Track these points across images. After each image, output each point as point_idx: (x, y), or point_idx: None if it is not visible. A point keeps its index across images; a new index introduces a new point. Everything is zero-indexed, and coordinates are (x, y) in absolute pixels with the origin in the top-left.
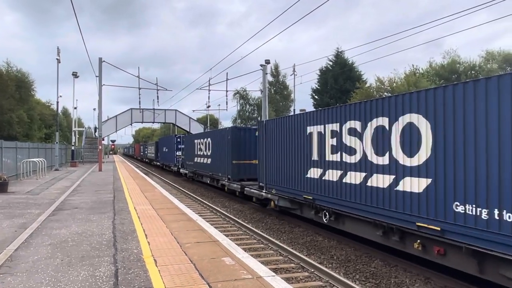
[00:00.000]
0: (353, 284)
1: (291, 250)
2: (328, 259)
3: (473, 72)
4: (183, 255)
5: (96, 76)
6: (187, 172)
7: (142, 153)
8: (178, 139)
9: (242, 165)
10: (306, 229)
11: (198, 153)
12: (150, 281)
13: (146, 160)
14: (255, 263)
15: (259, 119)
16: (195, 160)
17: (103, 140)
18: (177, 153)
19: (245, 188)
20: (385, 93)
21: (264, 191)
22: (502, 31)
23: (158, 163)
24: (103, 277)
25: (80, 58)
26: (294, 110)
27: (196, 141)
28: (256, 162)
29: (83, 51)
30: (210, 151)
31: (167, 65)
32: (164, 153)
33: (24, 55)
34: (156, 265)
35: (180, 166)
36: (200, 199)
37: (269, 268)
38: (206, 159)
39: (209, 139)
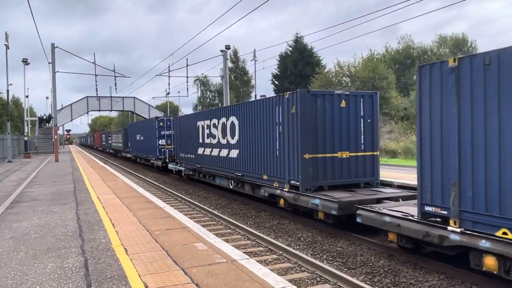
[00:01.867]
0: (320, 264)
1: (259, 233)
2: (295, 241)
3: (426, 56)
4: (154, 243)
5: (49, 63)
6: (182, 168)
7: (104, 143)
8: (162, 123)
9: (320, 161)
10: (272, 213)
11: (207, 141)
12: (122, 269)
13: (111, 151)
14: (228, 247)
15: (219, 105)
16: (200, 152)
17: (58, 129)
18: (160, 142)
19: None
20: (344, 78)
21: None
22: (454, 17)
23: (129, 155)
24: (72, 268)
25: (33, 45)
26: (255, 95)
27: (201, 123)
28: (347, 155)
29: (36, 37)
30: (236, 137)
31: (125, 52)
32: (137, 142)
33: None
34: (127, 254)
35: (167, 160)
36: (163, 186)
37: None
38: (225, 150)
39: (233, 118)
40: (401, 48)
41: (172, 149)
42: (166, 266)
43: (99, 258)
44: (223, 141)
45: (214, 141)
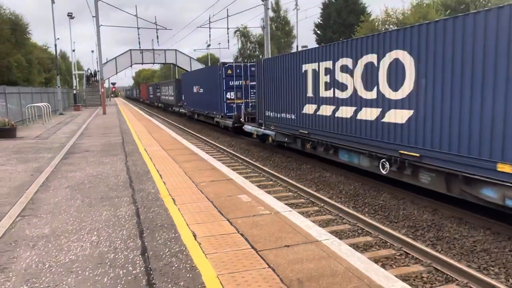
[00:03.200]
0: (362, 216)
1: (300, 186)
2: (337, 193)
3: (481, 0)
4: (200, 194)
5: (93, 17)
6: (270, 133)
7: (152, 96)
8: (230, 71)
9: None
10: (313, 166)
11: (325, 94)
12: (171, 218)
13: (160, 105)
14: (271, 199)
15: (260, 57)
16: (308, 111)
17: (104, 82)
18: (228, 95)
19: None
20: (391, 26)
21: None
22: None
23: (182, 110)
24: (125, 216)
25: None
26: (297, 46)
27: (312, 67)
28: None
29: None
30: (406, 86)
31: (167, 4)
32: (195, 95)
33: None
34: (175, 204)
35: (242, 119)
36: (206, 139)
37: None
38: (371, 110)
39: (399, 54)
40: None
41: (242, 104)
42: (212, 216)
43: (149, 208)
44: (367, 95)
45: (343, 95)
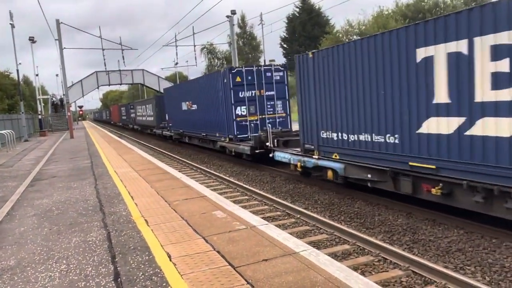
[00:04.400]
0: (338, 225)
1: (276, 198)
2: (313, 204)
3: (438, 9)
4: (173, 213)
5: (56, 40)
6: (337, 166)
7: (124, 117)
8: (239, 78)
9: None
10: (287, 178)
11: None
12: (144, 240)
13: (135, 127)
14: (247, 214)
15: None
16: (446, 130)
17: (70, 106)
18: (239, 111)
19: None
20: (354, 36)
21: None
22: None
23: (166, 133)
24: (96, 241)
25: (41, 23)
26: (264, 61)
27: (441, 51)
28: None
29: (45, 14)
30: None
31: (133, 24)
32: (185, 113)
33: None
34: (148, 225)
35: (268, 144)
36: (178, 157)
37: None
38: None
39: None
40: (412, 2)
41: (256, 122)
42: (187, 235)
43: (121, 231)
44: None
45: None
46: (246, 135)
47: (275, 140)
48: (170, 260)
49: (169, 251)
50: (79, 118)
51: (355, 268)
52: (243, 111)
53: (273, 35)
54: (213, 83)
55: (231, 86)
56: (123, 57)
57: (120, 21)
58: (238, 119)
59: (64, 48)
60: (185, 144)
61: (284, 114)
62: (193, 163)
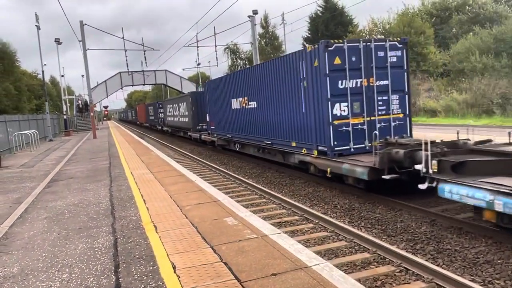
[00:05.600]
0: (358, 232)
1: (294, 202)
2: (332, 208)
3: (466, 6)
4: (184, 219)
5: (79, 41)
6: None
7: (152, 118)
8: (338, 59)
9: None
10: (307, 181)
11: None
12: (151, 249)
13: (166, 129)
14: (259, 221)
15: None
16: None
17: (95, 106)
18: (337, 109)
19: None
20: (379, 36)
21: None
22: None
23: (206, 137)
24: (102, 248)
25: (69, 25)
26: None
27: None
28: None
29: (73, 17)
30: None
31: (159, 25)
32: (236, 114)
33: (13, 25)
34: (156, 232)
35: (427, 167)
36: (198, 158)
37: (273, 222)
38: None
39: None
40: (438, 0)
41: (363, 126)
42: (195, 243)
43: (129, 237)
44: None
45: None
46: (348, 147)
47: (438, 162)
48: (175, 271)
49: (175, 261)
50: (104, 118)
51: (375, 279)
52: (344, 110)
53: (294, 35)
54: (290, 70)
55: (327, 72)
56: (145, 57)
57: (146, 23)
58: (336, 122)
59: (88, 49)
60: (232, 152)
61: (401, 115)
62: (211, 164)
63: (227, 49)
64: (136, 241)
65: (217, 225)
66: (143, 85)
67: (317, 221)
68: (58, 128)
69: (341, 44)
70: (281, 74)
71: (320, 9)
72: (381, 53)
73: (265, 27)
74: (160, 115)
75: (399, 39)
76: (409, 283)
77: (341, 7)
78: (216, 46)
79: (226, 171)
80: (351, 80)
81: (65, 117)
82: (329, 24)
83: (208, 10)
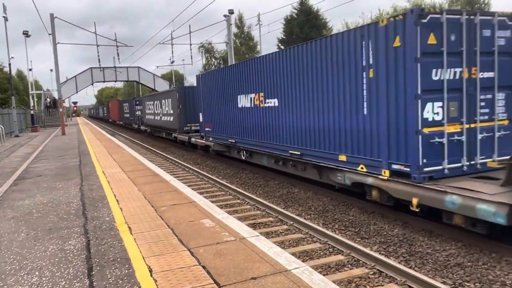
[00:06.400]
0: (332, 234)
1: (268, 204)
2: (306, 210)
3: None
4: (159, 220)
5: (49, 34)
6: None
7: (127, 115)
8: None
9: None
10: (281, 182)
11: None
12: (125, 251)
13: (144, 128)
14: (237, 224)
15: None
16: None
17: (64, 102)
18: (429, 112)
19: None
20: None
21: None
22: None
23: (196, 140)
24: (74, 250)
25: (38, 18)
26: None
27: None
28: None
29: (44, 9)
30: None
31: (133, 22)
32: (246, 114)
33: None
34: (131, 233)
35: None
36: (171, 157)
37: (248, 223)
38: None
39: None
40: (411, 5)
41: (460, 138)
42: (171, 246)
43: (102, 239)
44: None
45: None
46: (440, 167)
47: None
48: (151, 275)
49: (151, 265)
50: (73, 114)
51: (349, 281)
52: (437, 113)
53: (270, 36)
54: (342, 55)
55: (418, 55)
56: (118, 53)
57: (120, 18)
58: (426, 130)
59: (58, 43)
60: (236, 161)
61: (506, 122)
62: (185, 164)
63: (202, 48)
64: (110, 243)
65: (194, 227)
66: (115, 81)
67: (291, 222)
68: (25, 123)
69: (438, 16)
70: (324, 63)
71: (295, 11)
72: (487, 33)
73: (240, 27)
74: (137, 113)
75: (510, 12)
76: (382, 285)
77: (316, 10)
78: (191, 44)
79: (200, 171)
80: (449, 70)
81: (32, 112)
82: (304, 27)
83: (185, 9)
